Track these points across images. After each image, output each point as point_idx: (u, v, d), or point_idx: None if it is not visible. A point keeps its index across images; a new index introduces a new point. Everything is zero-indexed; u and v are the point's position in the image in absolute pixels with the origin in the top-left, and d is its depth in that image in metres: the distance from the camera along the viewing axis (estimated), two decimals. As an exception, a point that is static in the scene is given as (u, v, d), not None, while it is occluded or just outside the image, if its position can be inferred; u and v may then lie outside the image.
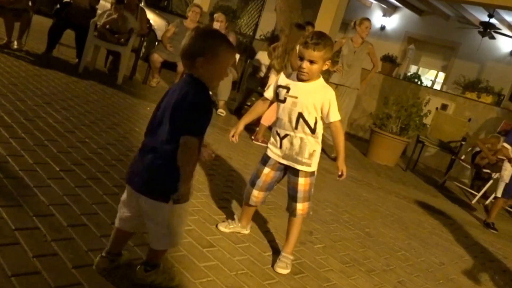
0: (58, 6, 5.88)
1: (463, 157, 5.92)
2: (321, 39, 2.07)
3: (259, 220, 2.69)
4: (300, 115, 2.15)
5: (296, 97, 2.15)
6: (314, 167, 2.24)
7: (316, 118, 2.16)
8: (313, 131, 2.17)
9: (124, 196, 1.71)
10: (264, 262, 2.24)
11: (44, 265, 1.64)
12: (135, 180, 1.65)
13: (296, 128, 2.17)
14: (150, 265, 1.74)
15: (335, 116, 2.17)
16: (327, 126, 2.23)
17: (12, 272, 1.55)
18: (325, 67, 2.13)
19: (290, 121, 2.17)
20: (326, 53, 2.09)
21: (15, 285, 1.50)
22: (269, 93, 2.30)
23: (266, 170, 2.29)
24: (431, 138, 6.27)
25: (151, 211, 1.64)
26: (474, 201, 5.37)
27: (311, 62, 2.09)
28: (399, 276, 2.62)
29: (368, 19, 5.27)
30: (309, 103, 2.14)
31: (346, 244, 2.83)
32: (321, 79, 2.20)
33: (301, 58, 2.10)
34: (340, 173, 2.24)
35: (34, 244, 1.75)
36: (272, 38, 6.78)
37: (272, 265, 2.23)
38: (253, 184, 2.33)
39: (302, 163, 2.21)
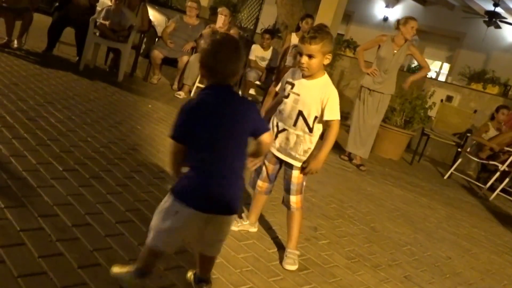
0: (57, 4, 5.84)
1: (468, 149, 5.87)
2: (318, 32, 2.06)
3: (263, 217, 2.68)
4: (300, 113, 2.15)
5: (298, 95, 2.15)
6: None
7: (316, 117, 2.15)
8: (310, 130, 2.17)
9: None
10: (269, 259, 2.23)
11: (50, 265, 1.65)
12: None
13: (294, 125, 2.17)
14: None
15: (331, 115, 2.12)
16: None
17: (18, 273, 1.56)
18: (326, 61, 2.11)
19: (290, 117, 2.17)
20: (324, 46, 2.06)
21: (21, 285, 1.51)
22: (278, 87, 2.32)
23: (266, 162, 2.33)
24: (436, 131, 6.23)
25: None
26: (481, 194, 5.34)
27: (310, 56, 2.07)
28: (405, 271, 2.60)
29: (414, 19, 4.67)
30: (310, 101, 2.13)
31: (351, 240, 2.82)
32: (326, 76, 2.17)
33: (300, 54, 2.10)
34: (307, 171, 2.18)
35: (39, 244, 1.75)
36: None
37: (280, 262, 2.23)
38: (257, 174, 2.38)
39: (295, 158, 2.22)
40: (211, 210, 1.56)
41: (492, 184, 5.30)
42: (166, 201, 1.58)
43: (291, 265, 2.20)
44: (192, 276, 1.81)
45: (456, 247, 3.29)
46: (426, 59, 5.23)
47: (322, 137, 2.23)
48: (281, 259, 2.25)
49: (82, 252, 1.79)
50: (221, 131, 1.57)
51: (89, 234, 1.93)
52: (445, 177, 5.79)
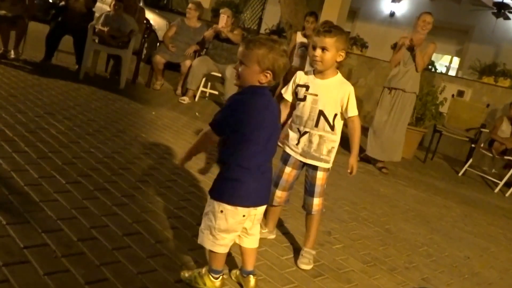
0: (54, 11, 5.80)
1: (482, 145, 5.75)
2: (333, 27, 2.12)
3: (274, 223, 2.63)
4: (321, 113, 2.16)
5: (317, 95, 2.17)
6: (331, 163, 2.25)
7: (335, 114, 2.17)
8: (332, 128, 2.18)
9: None
10: (282, 266, 2.18)
11: (56, 283, 1.60)
12: None
13: (316, 125, 2.17)
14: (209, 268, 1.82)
15: (353, 111, 2.17)
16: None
17: (23, 292, 1.51)
18: (339, 58, 2.14)
19: (311, 118, 2.18)
20: (338, 41, 2.10)
21: (26, 305, 1.47)
22: (288, 95, 2.28)
23: (288, 169, 2.29)
24: (448, 127, 6.11)
25: None
26: (497, 190, 5.22)
27: (323, 49, 2.10)
28: (423, 273, 2.54)
29: (428, 13, 4.69)
30: (330, 100, 2.15)
31: (366, 243, 2.75)
32: (339, 75, 2.20)
33: (314, 47, 2.13)
34: (350, 170, 2.25)
35: (44, 261, 1.71)
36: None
37: (295, 261, 2.22)
38: (276, 184, 2.31)
39: (320, 160, 2.21)
40: (253, 204, 1.72)
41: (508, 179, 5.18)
42: (209, 204, 1.72)
43: (306, 265, 2.21)
44: (237, 272, 1.92)
45: (473, 247, 3.21)
46: (435, 53, 5.13)
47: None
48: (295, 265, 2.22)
49: (88, 268, 1.74)
50: (269, 127, 1.71)
51: (95, 248, 1.89)
52: (460, 174, 5.68)
